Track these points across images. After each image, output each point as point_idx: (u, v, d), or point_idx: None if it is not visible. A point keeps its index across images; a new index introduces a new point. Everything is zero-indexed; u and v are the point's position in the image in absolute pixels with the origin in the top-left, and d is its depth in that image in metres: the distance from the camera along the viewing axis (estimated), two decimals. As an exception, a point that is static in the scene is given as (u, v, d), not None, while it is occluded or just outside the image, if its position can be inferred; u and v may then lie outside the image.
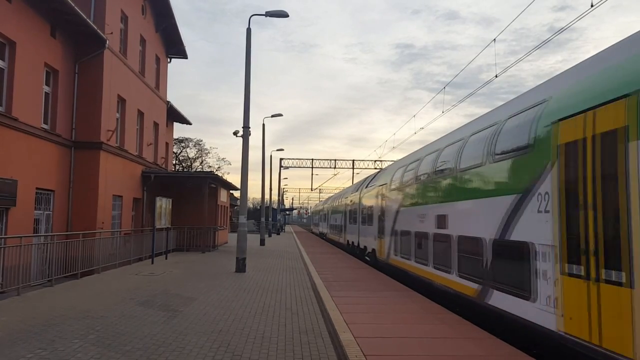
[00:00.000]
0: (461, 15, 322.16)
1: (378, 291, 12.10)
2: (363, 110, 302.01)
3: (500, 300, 7.98)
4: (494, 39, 13.82)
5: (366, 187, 21.50)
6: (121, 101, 21.06)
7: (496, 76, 14.20)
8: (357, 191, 24.39)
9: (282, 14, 16.95)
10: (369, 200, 20.00)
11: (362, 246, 21.84)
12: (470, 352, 6.64)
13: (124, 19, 21.27)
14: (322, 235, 49.02)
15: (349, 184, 48.17)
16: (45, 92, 16.57)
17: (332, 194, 55.75)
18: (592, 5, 9.62)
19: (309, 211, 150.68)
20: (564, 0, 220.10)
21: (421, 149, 14.46)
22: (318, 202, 78.04)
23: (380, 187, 17.80)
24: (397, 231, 14.95)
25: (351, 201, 26.07)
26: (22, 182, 14.52)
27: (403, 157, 16.90)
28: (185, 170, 59.87)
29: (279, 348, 7.03)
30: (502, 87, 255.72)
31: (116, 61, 19.97)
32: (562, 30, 11.31)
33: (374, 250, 18.85)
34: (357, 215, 23.24)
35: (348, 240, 27.00)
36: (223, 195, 32.28)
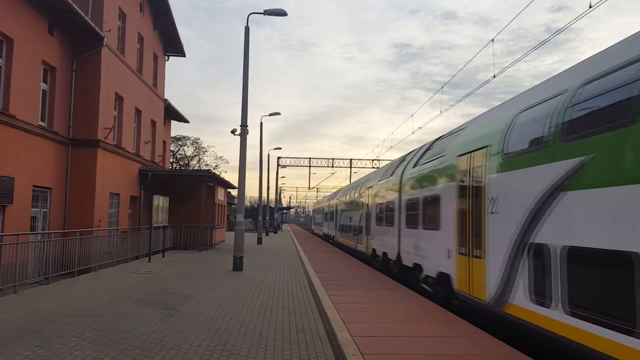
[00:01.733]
0: (459, 15, 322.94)
1: (375, 290, 12.11)
2: (361, 109, 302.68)
3: None
4: (492, 40, 13.85)
5: (414, 167, 13.57)
6: (119, 99, 21.02)
7: (494, 76, 14.23)
8: (392, 175, 16.20)
9: (281, 13, 16.94)
10: (426, 186, 12.08)
11: (408, 263, 13.52)
12: (467, 351, 6.65)
13: (122, 16, 21.22)
14: (327, 238, 39.27)
15: (347, 183, 48.13)
16: (43, 89, 16.53)
17: (329, 193, 55.45)
18: (590, 6, 9.64)
19: (307, 210, 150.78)
20: (561, 0, 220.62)
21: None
22: (322, 197, 64.19)
23: (469, 157, 9.41)
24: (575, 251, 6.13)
25: (380, 191, 17.67)
26: (19, 180, 14.48)
27: (553, 79, 7.85)
28: (182, 168, 59.80)
29: (276, 347, 7.04)
30: (499, 87, 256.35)
31: (114, 59, 19.92)
32: (560, 31, 11.34)
33: (444, 275, 10.54)
34: (396, 213, 14.91)
35: (375, 250, 18.31)
36: (220, 194, 32.26)
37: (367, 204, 20.04)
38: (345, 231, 27.34)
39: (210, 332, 7.78)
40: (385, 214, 16.45)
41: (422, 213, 12.30)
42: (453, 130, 12.06)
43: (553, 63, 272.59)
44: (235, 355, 6.56)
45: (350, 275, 15.25)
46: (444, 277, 10.58)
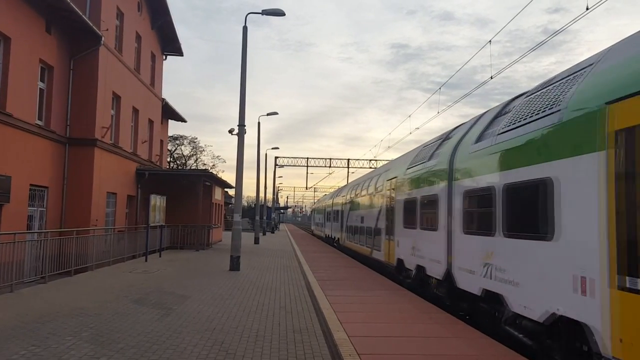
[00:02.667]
0: (456, 16, 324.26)
1: (372, 290, 12.14)
2: (358, 109, 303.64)
3: None
4: (490, 41, 13.88)
5: (479, 142, 9.17)
6: (116, 98, 21.00)
7: (491, 77, 14.27)
8: (430, 159, 11.88)
9: (279, 13, 16.95)
10: (514, 166, 7.65)
11: (470, 287, 9.09)
12: (463, 351, 6.68)
13: (120, 15, 21.20)
14: (330, 241, 34.13)
15: (344, 183, 48.13)
16: (40, 88, 16.51)
17: (327, 193, 55.31)
18: (587, 8, 9.69)
19: (304, 209, 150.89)
20: (558, 2, 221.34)
21: None
22: (323, 195, 56.89)
23: None
24: None
25: (411, 183, 13.19)
26: (15, 179, 14.45)
27: None
28: (179, 167, 59.73)
29: (273, 346, 7.05)
30: (496, 88, 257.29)
31: (111, 58, 19.90)
32: (557, 32, 11.38)
33: (569, 323, 6.22)
34: (442, 211, 10.58)
35: (402, 261, 13.65)
36: (217, 193, 32.25)
37: (389, 200, 15.55)
38: (355, 234, 22.43)
39: (207, 332, 7.78)
40: (422, 213, 12.04)
41: (502, 211, 7.79)
42: (551, 79, 7.77)
43: (550, 64, 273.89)
44: (232, 355, 6.57)
45: (347, 275, 15.27)
46: (564, 325, 6.35)
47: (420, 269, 12.10)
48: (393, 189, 15.03)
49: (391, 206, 15.21)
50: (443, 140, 11.86)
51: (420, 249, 12.06)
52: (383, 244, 16.15)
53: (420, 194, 12.16)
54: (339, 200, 29.60)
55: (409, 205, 13.13)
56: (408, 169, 13.74)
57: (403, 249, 13.67)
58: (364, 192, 20.59)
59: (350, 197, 24.56)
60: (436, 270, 10.84)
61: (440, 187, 10.78)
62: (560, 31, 11.40)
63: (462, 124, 11.87)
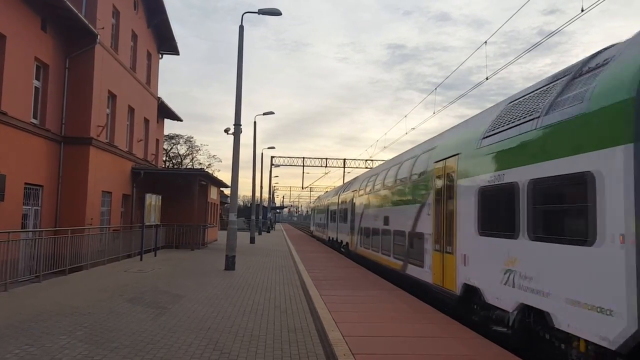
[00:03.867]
0: (452, 17, 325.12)
1: (367, 290, 12.15)
2: (354, 109, 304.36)
3: None
4: (485, 42, 13.92)
5: None
6: (112, 97, 20.93)
7: (487, 78, 14.31)
8: (549, 111, 6.64)
9: (275, 12, 16.93)
10: None
11: None
12: (458, 351, 6.70)
13: (116, 13, 21.14)
14: (337, 245, 28.01)
15: (340, 183, 48.12)
16: (35, 86, 16.44)
17: (327, 190, 55.14)
18: (582, 10, 9.73)
19: (300, 209, 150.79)
20: (554, 4, 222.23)
21: None
22: (325, 192, 48.89)
23: None
24: None
25: (501, 158, 7.87)
26: (10, 177, 14.39)
27: None
28: (175, 167, 59.61)
29: (268, 346, 7.05)
30: (491, 88, 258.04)
31: (107, 56, 19.84)
32: (552, 33, 11.43)
33: None
34: None
35: (479, 291, 8.36)
36: (213, 193, 32.21)
37: (441, 191, 10.45)
38: (374, 239, 17.09)
39: (202, 331, 7.78)
40: (535, 210, 6.78)
41: None
42: None
43: (545, 65, 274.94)
44: (226, 355, 6.57)
45: (342, 275, 15.28)
46: None
47: (531, 312, 6.93)
48: (451, 174, 9.96)
49: (447, 199, 10.13)
50: (574, 77, 6.71)
51: (534, 277, 6.71)
52: (430, 257, 10.95)
53: (529, 176, 6.94)
54: (349, 195, 23.72)
55: (496, 197, 8.03)
56: (486, 137, 8.66)
57: (479, 271, 8.50)
58: (389, 183, 15.50)
59: (367, 191, 19.01)
60: (595, 327, 5.46)
61: (599, 157, 5.57)
62: (555, 32, 11.45)
63: (611, 45, 6.63)
